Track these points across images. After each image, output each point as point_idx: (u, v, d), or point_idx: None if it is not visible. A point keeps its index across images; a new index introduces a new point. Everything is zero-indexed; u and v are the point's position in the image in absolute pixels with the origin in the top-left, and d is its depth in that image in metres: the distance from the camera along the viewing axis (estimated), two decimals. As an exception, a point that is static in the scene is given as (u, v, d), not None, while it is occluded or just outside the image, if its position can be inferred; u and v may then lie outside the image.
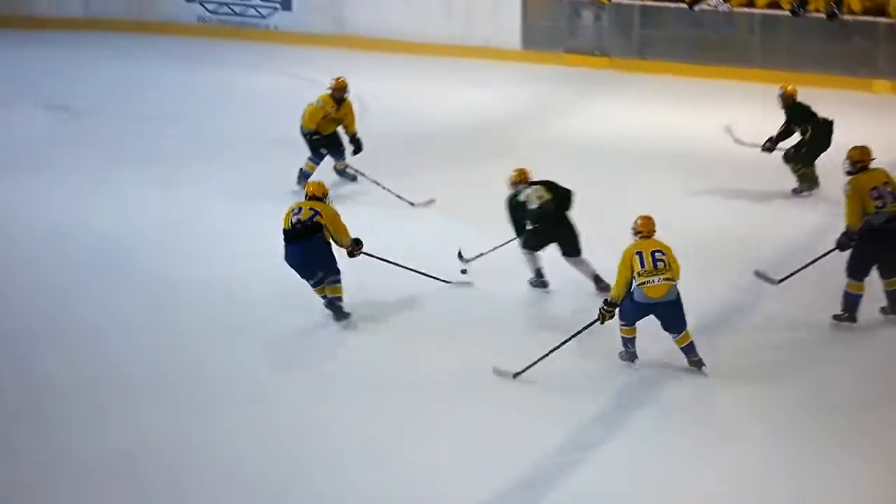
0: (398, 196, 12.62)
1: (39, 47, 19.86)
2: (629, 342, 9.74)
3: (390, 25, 19.85)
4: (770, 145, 13.04)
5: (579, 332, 9.46)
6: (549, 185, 10.69)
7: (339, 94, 12.98)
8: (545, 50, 19.25)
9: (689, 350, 9.59)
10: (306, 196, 10.28)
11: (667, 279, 9.47)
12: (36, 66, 18.87)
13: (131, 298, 10.44)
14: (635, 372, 9.49)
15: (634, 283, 9.47)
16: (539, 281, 10.88)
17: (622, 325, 9.66)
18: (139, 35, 20.51)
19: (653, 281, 9.47)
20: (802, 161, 13.02)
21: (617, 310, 9.55)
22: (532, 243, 10.73)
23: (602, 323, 9.55)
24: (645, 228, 9.67)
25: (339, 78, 13.05)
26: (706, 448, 8.37)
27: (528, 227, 10.66)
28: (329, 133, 13.02)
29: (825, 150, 12.83)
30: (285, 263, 10.03)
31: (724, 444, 8.39)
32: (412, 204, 12.60)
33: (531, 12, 19.39)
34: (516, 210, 10.66)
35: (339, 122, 13.06)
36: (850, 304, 10.19)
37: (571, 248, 10.68)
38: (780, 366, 9.46)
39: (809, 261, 10.38)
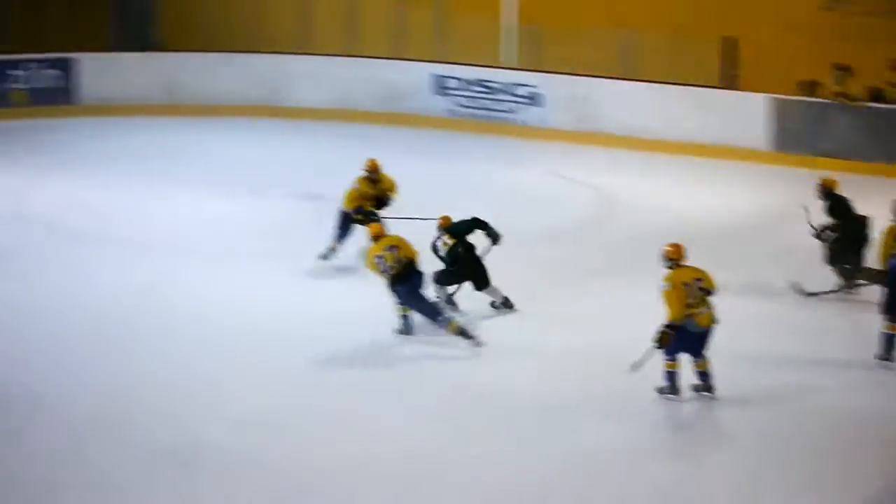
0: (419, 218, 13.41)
1: (293, 136, 20.93)
2: (673, 376, 10.50)
3: (638, 123, 20.38)
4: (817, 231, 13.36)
5: (645, 357, 10.33)
6: (454, 232, 12.56)
7: (373, 175, 14.07)
8: (794, 152, 19.48)
9: (706, 375, 10.50)
10: (374, 238, 11.95)
11: (709, 307, 10.38)
12: (290, 155, 19.88)
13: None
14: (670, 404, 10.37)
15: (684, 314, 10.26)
16: (449, 299, 12.58)
17: (667, 359, 10.44)
18: (389, 126, 21.38)
19: (703, 311, 10.36)
20: (850, 271, 13.23)
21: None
22: (443, 280, 12.53)
23: (660, 347, 10.33)
24: (678, 255, 10.50)
25: (370, 160, 14.07)
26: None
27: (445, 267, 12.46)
28: (368, 209, 13.98)
29: (863, 247, 13.06)
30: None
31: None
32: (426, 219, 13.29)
33: (780, 113, 19.68)
34: (436, 255, 12.49)
35: (377, 196, 14.06)
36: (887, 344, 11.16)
37: (481, 283, 12.53)
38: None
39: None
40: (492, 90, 21.56)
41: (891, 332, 11.09)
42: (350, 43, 22.77)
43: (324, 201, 16.91)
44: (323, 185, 17.65)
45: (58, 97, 22.49)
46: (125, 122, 21.89)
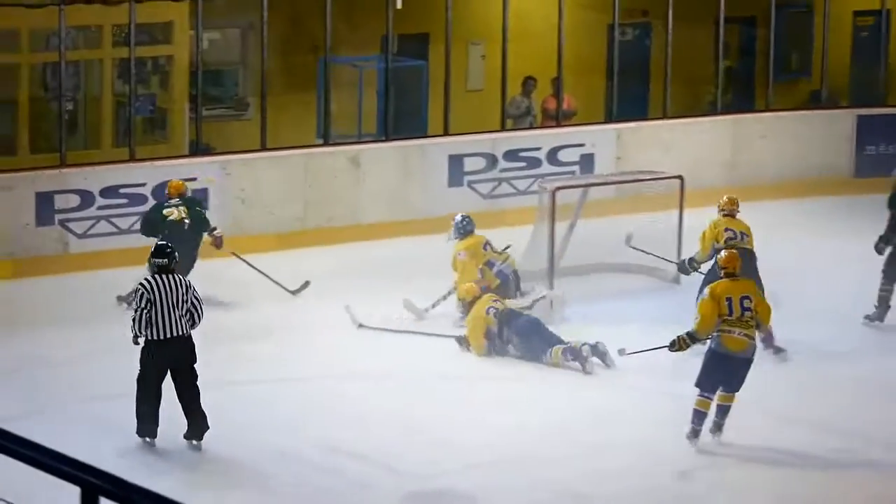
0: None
1: None
2: (699, 417, 11.23)
3: None
4: (881, 245, 14.17)
5: (647, 350, 12.13)
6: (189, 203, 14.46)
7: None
8: None
9: (724, 412, 11.33)
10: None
11: (748, 335, 11.12)
12: None
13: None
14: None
15: (716, 329, 11.09)
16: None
17: (698, 395, 11.26)
18: None
19: (734, 333, 11.10)
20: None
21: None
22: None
23: (671, 350, 11.50)
24: (732, 265, 11.39)
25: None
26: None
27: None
28: None
29: None
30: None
31: None
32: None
33: None
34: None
35: None
36: None
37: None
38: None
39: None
40: None
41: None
42: None
43: None
44: None
45: None
46: None
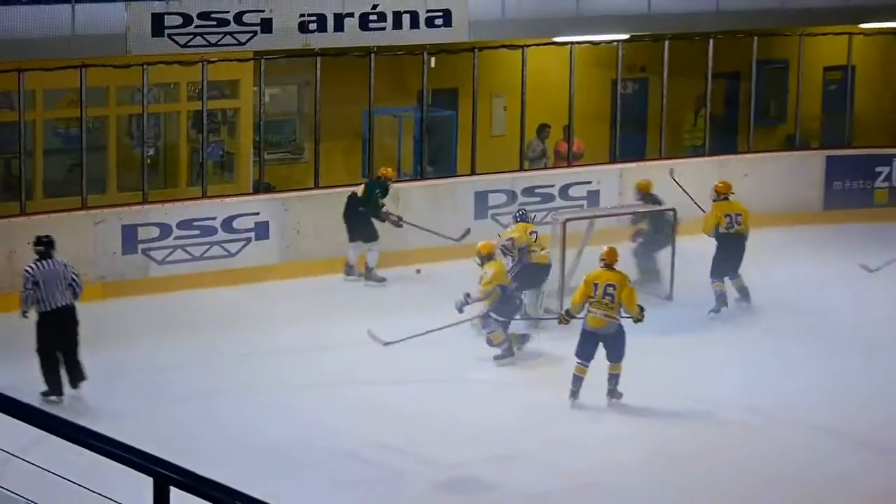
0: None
1: None
2: (576, 381, 11.93)
3: None
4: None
5: (538, 319, 13.88)
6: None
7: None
8: None
9: (612, 379, 11.99)
10: None
11: (607, 315, 11.86)
12: None
13: None
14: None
15: (586, 309, 11.93)
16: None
17: (576, 363, 12.00)
18: None
19: (596, 313, 11.89)
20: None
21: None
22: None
23: (559, 322, 12.60)
24: (608, 258, 12.10)
25: None
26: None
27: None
28: None
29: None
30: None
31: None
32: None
33: None
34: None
35: None
36: None
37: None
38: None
39: None
40: None
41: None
42: None
43: None
44: None
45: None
46: None
